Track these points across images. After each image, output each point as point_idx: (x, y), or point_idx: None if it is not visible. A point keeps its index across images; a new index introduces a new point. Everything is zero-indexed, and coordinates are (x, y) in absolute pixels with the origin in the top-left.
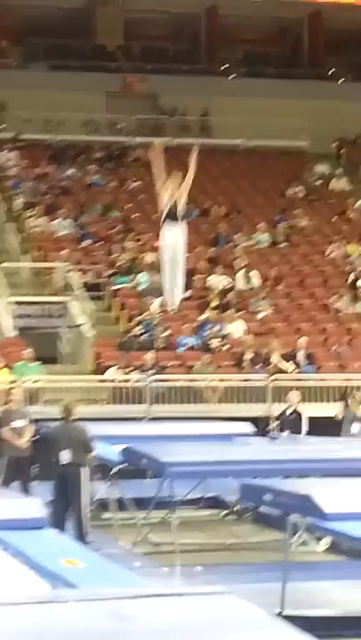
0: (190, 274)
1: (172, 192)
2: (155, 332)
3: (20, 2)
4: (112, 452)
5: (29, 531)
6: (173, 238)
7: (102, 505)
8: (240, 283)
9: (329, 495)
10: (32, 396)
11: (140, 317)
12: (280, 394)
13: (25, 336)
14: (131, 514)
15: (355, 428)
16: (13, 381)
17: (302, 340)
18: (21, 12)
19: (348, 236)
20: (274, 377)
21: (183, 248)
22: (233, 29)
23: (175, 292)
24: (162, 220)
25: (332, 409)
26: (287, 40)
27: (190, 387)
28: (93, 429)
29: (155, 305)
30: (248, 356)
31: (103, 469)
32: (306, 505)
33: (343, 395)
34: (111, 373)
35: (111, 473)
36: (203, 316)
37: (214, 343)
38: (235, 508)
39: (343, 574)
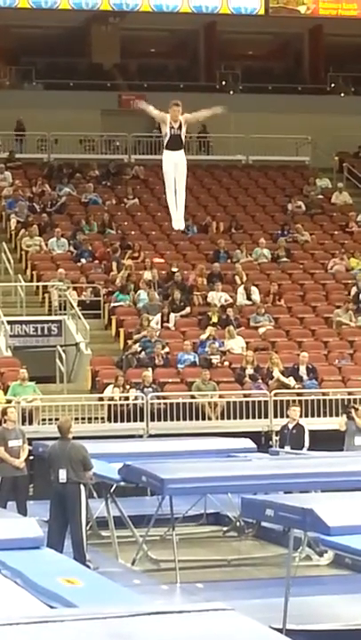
0: (190, 290)
1: (174, 119)
2: (154, 349)
3: (15, 21)
4: (111, 469)
5: (27, 550)
6: (175, 163)
7: (101, 523)
8: (240, 298)
9: (332, 509)
10: (28, 416)
11: (138, 335)
12: (281, 409)
13: (21, 355)
14: (130, 531)
15: (358, 440)
16: (9, 401)
17: (304, 355)
18: (16, 31)
19: (350, 250)
20: (275, 392)
21: (183, 173)
22: (232, 45)
23: (178, 213)
24: (164, 145)
25: (334, 423)
26: (288, 55)
27: (190, 403)
28: (92, 447)
29: (153, 322)
30: (249, 371)
31: (102, 487)
32: (308, 519)
33: (345, 408)
34: (110, 391)
35: (111, 491)
36: (203, 335)
37: (214, 359)
38: (236, 524)
39: (346, 589)
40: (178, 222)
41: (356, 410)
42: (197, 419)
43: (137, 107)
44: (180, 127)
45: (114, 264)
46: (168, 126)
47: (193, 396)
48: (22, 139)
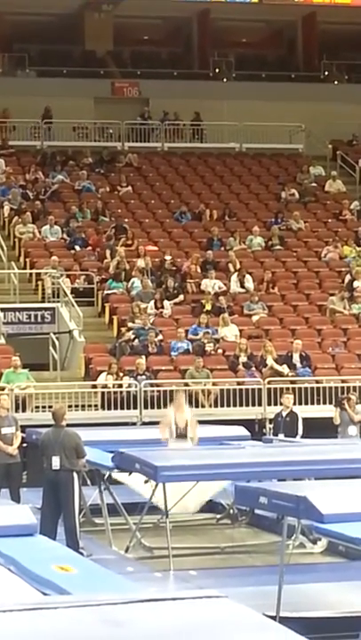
0: (184, 278)
1: (177, 415)
2: (147, 337)
3: (7, 8)
4: (104, 457)
5: (20, 537)
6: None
7: (95, 510)
8: (234, 286)
9: (325, 497)
10: (22, 403)
11: (133, 325)
12: (275, 396)
13: (14, 343)
14: (124, 519)
15: (352, 430)
16: (2, 388)
17: (297, 343)
18: (9, 18)
19: (343, 238)
20: (268, 379)
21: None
22: (225, 33)
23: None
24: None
25: (328, 411)
26: (281, 42)
27: (184, 391)
28: (85, 435)
29: (149, 309)
30: (242, 359)
31: (95, 475)
32: (302, 507)
33: (338, 401)
34: (103, 379)
35: (104, 478)
36: (196, 321)
37: (208, 347)
38: (230, 512)
39: (340, 576)
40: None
41: (349, 400)
42: (191, 406)
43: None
44: (185, 426)
45: (107, 251)
46: (174, 425)
47: (186, 384)
48: (14, 125)
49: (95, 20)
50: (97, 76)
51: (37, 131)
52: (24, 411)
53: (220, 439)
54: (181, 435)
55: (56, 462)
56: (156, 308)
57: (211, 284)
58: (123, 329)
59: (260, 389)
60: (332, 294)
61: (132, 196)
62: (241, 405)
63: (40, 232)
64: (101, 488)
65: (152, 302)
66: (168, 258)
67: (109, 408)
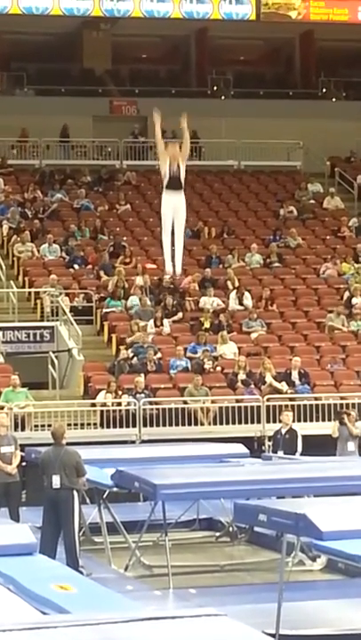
0: (182, 295)
1: (173, 158)
2: (146, 355)
3: (6, 27)
4: (104, 475)
5: (20, 557)
6: (174, 206)
7: (94, 529)
8: (233, 303)
9: (324, 514)
10: (21, 422)
11: (130, 339)
12: (274, 414)
13: (13, 361)
14: (123, 537)
15: (350, 446)
16: (1, 407)
17: (296, 360)
18: (7, 37)
19: (342, 255)
20: (267, 397)
21: (183, 217)
22: (223, 50)
23: (176, 260)
24: (164, 186)
25: (327, 428)
26: (279, 60)
27: (182, 409)
28: (85, 453)
29: (148, 327)
30: (241, 376)
31: (95, 493)
32: (301, 524)
33: (338, 414)
34: (102, 397)
35: (103, 496)
36: (195, 339)
37: (207, 364)
38: (229, 530)
39: (339, 593)
40: (173, 267)
41: (348, 415)
42: (190, 424)
43: (154, 115)
44: (178, 167)
45: (103, 271)
46: (167, 166)
47: (185, 402)
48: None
49: (93, 39)
50: (95, 94)
51: (36, 149)
52: (23, 429)
53: (219, 457)
54: (175, 177)
55: (56, 481)
56: (156, 326)
57: (209, 302)
58: (121, 347)
59: (259, 407)
60: (330, 311)
61: (131, 214)
62: (240, 423)
63: (39, 251)
64: (101, 507)
65: (152, 321)
66: (167, 277)
67: (108, 426)
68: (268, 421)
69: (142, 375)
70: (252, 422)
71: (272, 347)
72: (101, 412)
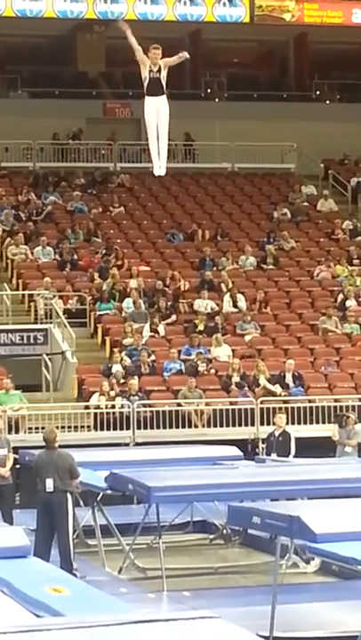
0: (176, 298)
1: (153, 63)
2: (140, 357)
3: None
4: (97, 478)
5: (13, 559)
6: (157, 109)
7: (88, 531)
8: (227, 306)
9: (318, 516)
10: (15, 425)
11: (125, 341)
12: (268, 416)
13: (6, 364)
14: (117, 540)
15: (349, 448)
16: None
17: (290, 362)
18: (1, 39)
19: (335, 257)
20: (261, 399)
21: (166, 119)
22: (217, 53)
23: (161, 160)
24: (145, 91)
25: (320, 430)
26: (273, 62)
27: (176, 411)
28: (79, 456)
29: (144, 330)
30: (235, 379)
31: (89, 496)
32: (295, 527)
33: (338, 417)
34: (96, 399)
35: (97, 499)
36: (189, 341)
37: (201, 367)
38: (223, 532)
39: (333, 596)
40: (159, 169)
41: (348, 418)
42: (184, 426)
43: (119, 26)
44: (159, 71)
45: (99, 273)
46: (147, 69)
47: (179, 404)
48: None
49: (87, 42)
50: (89, 96)
51: (30, 152)
52: (17, 432)
53: (212, 459)
54: (155, 81)
55: (50, 484)
56: (152, 330)
57: (203, 304)
58: (115, 349)
59: (252, 409)
60: (324, 313)
61: (125, 217)
62: (234, 425)
63: (32, 253)
64: (94, 509)
65: (147, 325)
66: (160, 281)
67: (102, 429)
68: (261, 424)
69: (136, 377)
70: (246, 425)
71: (266, 349)
72: (95, 414)
